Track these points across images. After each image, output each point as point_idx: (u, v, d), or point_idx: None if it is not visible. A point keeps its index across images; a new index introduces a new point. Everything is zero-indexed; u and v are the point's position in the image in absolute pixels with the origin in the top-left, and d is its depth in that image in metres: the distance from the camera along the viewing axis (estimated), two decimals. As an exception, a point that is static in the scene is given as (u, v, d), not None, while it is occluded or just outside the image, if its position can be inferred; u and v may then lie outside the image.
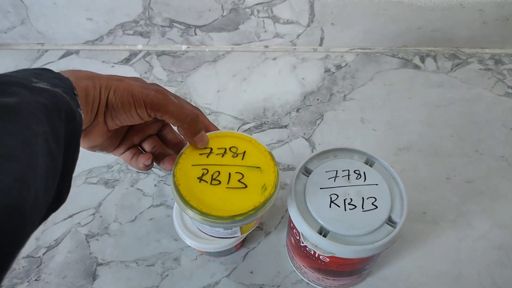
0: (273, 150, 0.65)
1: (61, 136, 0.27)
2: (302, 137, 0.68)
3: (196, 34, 0.83)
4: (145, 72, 0.81)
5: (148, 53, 0.84)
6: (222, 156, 0.41)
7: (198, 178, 0.39)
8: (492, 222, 0.56)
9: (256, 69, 0.80)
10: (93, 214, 0.59)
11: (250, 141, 0.43)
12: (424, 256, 0.53)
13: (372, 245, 0.38)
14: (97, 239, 0.56)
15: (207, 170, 0.40)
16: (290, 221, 0.43)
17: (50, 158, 0.26)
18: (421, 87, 0.75)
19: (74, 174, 0.32)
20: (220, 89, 0.76)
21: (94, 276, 0.53)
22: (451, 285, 0.51)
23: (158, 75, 0.80)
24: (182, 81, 0.78)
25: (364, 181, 0.43)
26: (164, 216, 0.58)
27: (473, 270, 0.52)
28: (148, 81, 0.75)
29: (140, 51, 0.85)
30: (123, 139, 0.42)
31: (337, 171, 0.44)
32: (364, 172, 0.43)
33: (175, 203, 0.47)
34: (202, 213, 0.37)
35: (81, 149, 0.33)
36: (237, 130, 0.69)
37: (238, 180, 0.39)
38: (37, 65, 0.83)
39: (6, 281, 0.52)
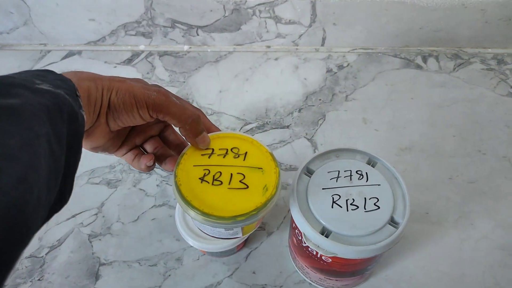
0: (275, 150, 0.65)
1: (63, 137, 0.27)
2: (304, 137, 0.68)
3: (198, 35, 0.83)
4: (147, 73, 0.81)
5: (150, 54, 0.85)
6: (224, 157, 0.41)
7: (199, 178, 0.39)
8: (495, 222, 0.56)
9: (258, 70, 0.80)
10: (96, 214, 0.59)
11: (252, 142, 0.43)
12: (427, 257, 0.53)
13: (374, 246, 0.38)
14: (100, 239, 0.56)
15: (209, 171, 0.40)
16: (292, 221, 0.43)
17: (53, 159, 0.26)
18: (423, 87, 0.75)
19: (77, 174, 0.33)
20: (222, 90, 0.77)
21: (96, 276, 0.53)
22: (454, 286, 0.51)
23: (160, 75, 0.80)
24: (184, 82, 0.78)
25: (366, 181, 0.42)
26: (166, 216, 0.58)
27: (476, 271, 0.52)
28: (150, 82, 0.75)
29: (142, 51, 0.85)
30: (125, 140, 0.42)
31: (339, 171, 0.43)
32: (366, 173, 0.43)
33: (178, 204, 0.47)
34: (203, 214, 0.37)
35: (83, 149, 0.33)
36: (239, 130, 0.69)
37: (240, 181, 0.39)
38: (39, 65, 0.83)
39: (9, 281, 0.52)
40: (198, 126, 0.40)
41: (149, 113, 0.36)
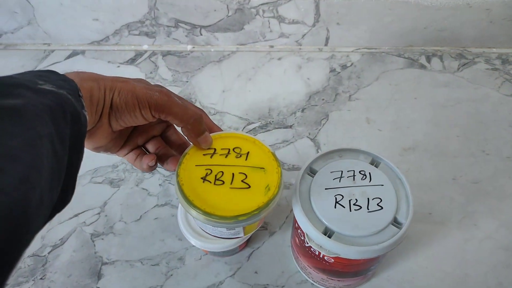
0: (278, 150, 0.65)
1: (66, 137, 0.27)
2: (307, 137, 0.68)
3: (201, 34, 0.83)
4: (151, 72, 0.81)
5: (153, 53, 0.85)
6: (226, 157, 0.41)
7: (201, 178, 0.39)
8: (498, 222, 0.56)
9: (261, 69, 0.80)
10: (98, 213, 0.59)
11: (254, 141, 0.43)
12: (430, 257, 0.53)
13: (377, 246, 0.37)
14: (102, 238, 0.56)
15: (211, 170, 0.40)
16: (295, 221, 0.43)
17: (55, 159, 0.26)
18: (427, 87, 0.75)
19: (80, 174, 0.33)
20: (225, 89, 0.77)
21: (99, 275, 0.53)
22: (457, 286, 0.50)
23: (164, 75, 0.80)
24: (187, 81, 0.78)
25: (370, 181, 0.42)
26: (169, 216, 0.58)
27: (479, 271, 0.51)
28: (154, 82, 0.76)
29: (146, 51, 0.85)
30: (127, 140, 0.42)
31: (342, 171, 0.43)
32: (369, 173, 0.43)
33: (180, 204, 0.48)
34: (205, 213, 0.37)
35: (86, 149, 0.33)
36: (242, 130, 0.69)
37: (242, 181, 0.39)
38: (43, 65, 0.83)
39: (12, 280, 0.52)
40: (200, 126, 0.40)
41: (151, 113, 0.36)
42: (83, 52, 0.86)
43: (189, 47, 0.85)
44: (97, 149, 0.39)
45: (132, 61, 0.83)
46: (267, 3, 0.77)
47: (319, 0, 0.75)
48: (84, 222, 0.58)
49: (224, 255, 0.53)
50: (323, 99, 0.74)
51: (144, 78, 0.69)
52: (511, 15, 0.76)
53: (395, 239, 0.38)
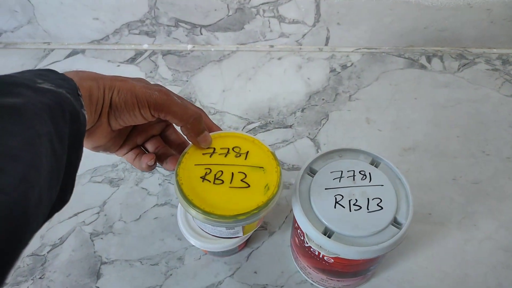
0: (277, 150, 0.65)
1: (65, 136, 0.27)
2: (307, 137, 0.67)
3: (201, 34, 0.83)
4: (151, 72, 0.81)
5: (153, 53, 0.85)
6: (225, 156, 0.41)
7: (201, 177, 0.39)
8: (498, 223, 0.56)
9: (262, 69, 0.80)
10: (98, 212, 0.59)
11: (253, 141, 0.42)
12: (429, 258, 0.53)
13: (377, 246, 0.37)
14: (102, 238, 0.56)
15: (210, 170, 0.40)
16: (295, 221, 0.43)
17: (54, 158, 0.26)
18: (428, 87, 0.75)
19: (79, 173, 0.33)
20: (225, 89, 0.76)
21: (98, 275, 0.53)
22: (457, 287, 0.50)
23: (164, 74, 0.80)
24: (187, 81, 0.78)
25: (370, 181, 0.42)
26: (168, 215, 0.58)
27: (479, 272, 0.51)
28: (154, 81, 0.76)
29: (146, 50, 0.85)
30: (126, 139, 0.42)
31: (342, 171, 0.43)
32: (369, 173, 0.43)
33: (180, 203, 0.48)
34: (204, 212, 0.37)
35: (85, 149, 0.33)
36: (242, 129, 0.69)
37: (241, 180, 0.39)
38: (43, 64, 0.83)
39: (10, 279, 0.52)
40: (199, 125, 0.40)
41: (151, 112, 0.36)
42: (83, 51, 0.86)
43: (189, 47, 0.85)
44: (96, 148, 0.39)
45: (132, 60, 0.83)
46: (267, 3, 0.77)
47: (320, 0, 0.75)
48: (84, 221, 0.58)
49: (224, 255, 0.53)
50: (323, 99, 0.74)
51: (144, 78, 0.69)
52: (511, 16, 0.75)
53: (395, 239, 0.38)
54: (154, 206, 0.59)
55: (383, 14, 0.77)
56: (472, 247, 0.54)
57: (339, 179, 0.43)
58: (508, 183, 0.60)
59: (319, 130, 0.68)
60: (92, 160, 0.64)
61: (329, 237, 0.39)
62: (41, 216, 0.25)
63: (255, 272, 0.52)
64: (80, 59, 0.84)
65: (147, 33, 0.84)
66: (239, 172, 0.40)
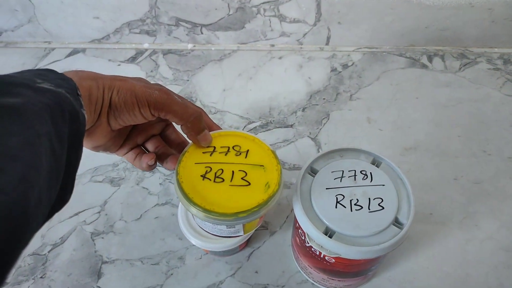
0: (278, 150, 0.65)
1: (64, 136, 0.27)
2: (308, 136, 0.67)
3: (202, 33, 0.83)
4: (151, 71, 0.81)
5: (154, 52, 0.84)
6: (226, 155, 0.41)
7: (201, 176, 0.39)
8: (499, 223, 0.56)
9: (262, 68, 0.80)
10: (99, 212, 0.59)
11: (253, 140, 0.42)
12: (431, 258, 0.53)
13: (378, 246, 0.37)
14: (103, 237, 0.56)
15: (211, 168, 0.40)
16: (296, 221, 0.43)
17: (54, 158, 0.26)
18: (429, 86, 0.75)
19: (80, 172, 0.33)
20: (226, 88, 0.76)
21: (99, 274, 0.53)
22: (458, 287, 0.50)
23: (164, 73, 0.80)
24: (188, 80, 0.78)
25: (371, 181, 0.42)
26: (169, 215, 0.58)
27: (480, 272, 0.51)
28: (154, 80, 0.75)
29: (146, 49, 0.85)
30: (126, 139, 0.42)
31: (343, 171, 0.43)
32: (370, 173, 0.43)
33: (180, 202, 0.47)
34: (205, 210, 0.37)
35: (85, 148, 0.33)
36: (243, 129, 0.69)
37: (242, 178, 0.39)
38: (43, 63, 0.83)
39: (12, 279, 0.52)
40: (200, 123, 0.39)
41: (151, 111, 0.36)
42: (83, 50, 0.86)
43: (190, 46, 0.85)
44: (96, 148, 0.39)
45: (132, 59, 0.83)
46: (268, 2, 0.76)
47: (321, -1, 0.75)
48: (85, 221, 0.58)
49: (225, 254, 0.53)
50: (324, 99, 0.73)
51: (145, 77, 0.69)
52: (513, 15, 0.75)
53: (396, 239, 0.38)
54: (155, 205, 0.59)
55: (384, 13, 0.77)
56: (474, 247, 0.53)
57: (340, 178, 0.43)
58: (510, 183, 0.60)
59: (320, 129, 0.68)
60: (93, 159, 0.64)
61: (330, 237, 0.38)
62: (40, 216, 0.25)
63: (256, 272, 0.52)
64: (80, 58, 0.84)
65: (147, 32, 0.84)
66: (239, 170, 0.40)
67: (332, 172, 0.43)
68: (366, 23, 0.79)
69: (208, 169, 0.40)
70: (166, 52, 0.84)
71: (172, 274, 0.52)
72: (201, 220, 0.39)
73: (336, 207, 0.40)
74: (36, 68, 0.81)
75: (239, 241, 0.49)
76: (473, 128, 0.67)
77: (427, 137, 0.66)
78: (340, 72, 0.79)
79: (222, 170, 0.40)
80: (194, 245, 0.50)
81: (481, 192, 0.59)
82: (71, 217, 0.58)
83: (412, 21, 0.78)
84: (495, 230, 0.55)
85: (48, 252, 0.55)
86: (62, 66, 0.82)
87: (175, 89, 0.75)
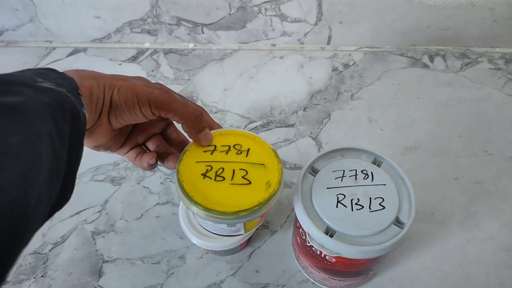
0: (279, 149, 0.65)
1: (65, 135, 0.27)
2: (309, 136, 0.67)
3: (203, 32, 0.83)
4: (152, 70, 0.81)
5: (155, 51, 0.84)
6: (226, 153, 0.41)
7: (202, 174, 0.39)
8: (500, 223, 0.56)
9: (263, 68, 0.80)
10: (100, 211, 0.59)
11: (254, 138, 0.42)
12: (432, 257, 0.53)
13: (379, 246, 0.37)
14: (103, 236, 0.56)
15: (211, 167, 0.40)
16: (296, 220, 0.43)
17: (54, 157, 0.26)
18: (430, 86, 0.75)
19: (81, 171, 0.33)
20: (227, 88, 0.76)
21: (99, 273, 0.53)
22: (459, 287, 0.50)
23: (165, 73, 0.80)
24: (189, 79, 0.78)
25: (372, 181, 0.42)
26: (170, 214, 0.58)
27: (481, 272, 0.51)
28: (155, 80, 0.75)
29: (148, 49, 0.85)
30: (127, 138, 0.42)
31: (344, 170, 0.43)
32: (371, 172, 0.43)
33: (181, 201, 0.48)
34: (206, 209, 0.37)
35: (86, 147, 0.33)
36: (244, 128, 0.69)
37: (242, 177, 0.39)
38: (45, 62, 0.83)
39: (12, 277, 0.52)
40: (200, 122, 0.39)
41: (152, 110, 0.36)
42: (84, 50, 0.86)
43: (191, 45, 0.85)
44: (97, 147, 0.39)
45: (133, 59, 0.83)
46: (269, 1, 0.76)
47: (322, -2, 0.75)
48: (85, 220, 0.58)
49: (225, 254, 0.53)
50: (325, 98, 0.73)
51: (146, 76, 0.69)
52: (514, 15, 0.75)
53: (397, 239, 0.38)
54: (156, 204, 0.59)
55: (385, 13, 0.77)
56: (474, 247, 0.53)
57: (341, 178, 0.42)
58: (511, 182, 0.60)
59: (321, 129, 0.68)
60: (94, 158, 0.64)
61: (331, 236, 0.38)
62: (41, 215, 0.25)
63: (257, 271, 0.52)
64: (81, 57, 0.84)
65: (148, 32, 0.84)
66: (240, 169, 0.40)
67: (333, 171, 0.43)
68: (367, 23, 0.79)
69: (209, 168, 0.40)
70: (167, 52, 0.84)
71: (172, 273, 0.52)
72: (202, 219, 0.39)
73: (337, 207, 0.40)
74: (37, 67, 0.81)
75: (239, 240, 0.49)
76: (474, 128, 0.67)
77: (428, 137, 0.66)
78: (341, 71, 0.79)
79: (223, 168, 0.40)
80: (195, 244, 0.50)
81: (482, 192, 0.59)
82: (72, 216, 0.58)
83: (414, 21, 0.78)
84: (496, 230, 0.55)
85: (49, 251, 0.55)
86: (63, 66, 0.82)
87: (176, 88, 0.75)
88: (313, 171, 0.44)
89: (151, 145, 0.44)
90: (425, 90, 0.74)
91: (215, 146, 0.42)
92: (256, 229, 0.51)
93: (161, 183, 0.62)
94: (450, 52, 0.81)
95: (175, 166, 0.40)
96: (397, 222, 0.40)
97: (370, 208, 0.40)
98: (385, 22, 0.79)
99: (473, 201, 0.58)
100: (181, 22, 0.81)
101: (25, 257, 0.54)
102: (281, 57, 0.82)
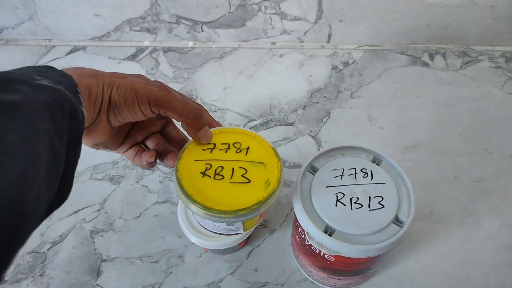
0: (279, 148, 0.65)
1: (63, 133, 0.27)
2: (309, 134, 0.67)
3: (203, 31, 0.83)
4: (152, 69, 0.80)
5: (154, 50, 0.84)
6: (226, 152, 0.41)
7: (201, 173, 0.39)
8: (501, 221, 0.55)
9: (263, 66, 0.80)
10: (98, 210, 0.59)
11: (254, 137, 0.42)
12: (431, 256, 0.53)
13: (378, 245, 0.37)
14: (102, 235, 0.56)
15: (210, 165, 0.40)
16: (295, 219, 0.43)
17: (53, 155, 0.25)
18: (430, 85, 0.75)
19: (80, 170, 0.32)
20: (226, 86, 0.76)
21: (98, 272, 0.53)
22: (458, 286, 0.50)
23: (165, 71, 0.80)
24: (188, 78, 0.78)
25: (371, 180, 0.42)
26: (169, 213, 0.58)
27: (480, 271, 0.51)
28: (155, 78, 0.75)
29: (147, 47, 0.85)
30: (126, 136, 0.41)
31: (343, 169, 0.43)
32: (371, 171, 0.43)
33: (180, 199, 0.47)
34: (205, 208, 0.36)
35: (86, 146, 0.33)
36: (243, 127, 0.69)
37: (242, 175, 0.39)
38: (44, 60, 0.83)
39: (11, 276, 0.52)
40: (200, 120, 0.39)
41: (151, 108, 0.36)
42: (84, 48, 0.86)
43: (191, 44, 0.85)
44: (96, 146, 0.39)
45: (133, 57, 0.83)
46: (269, 0, 0.76)
47: (322, -4, 0.75)
48: (84, 218, 0.58)
49: (224, 252, 0.53)
50: (324, 97, 0.73)
51: (145, 75, 0.69)
52: (515, 13, 0.75)
53: (396, 237, 0.38)
54: (155, 203, 0.59)
55: (385, 11, 0.77)
56: (474, 246, 0.53)
57: (340, 177, 0.42)
58: (511, 181, 0.60)
59: (321, 127, 0.68)
60: (93, 157, 0.64)
61: (330, 235, 0.38)
62: (39, 213, 0.24)
63: (256, 270, 0.52)
64: (81, 55, 0.84)
65: (148, 30, 0.84)
66: (239, 167, 0.40)
67: (332, 170, 0.43)
68: (367, 21, 0.79)
69: (208, 166, 0.39)
70: (167, 50, 0.84)
71: (171, 272, 0.52)
72: (200, 217, 0.39)
73: (336, 206, 0.40)
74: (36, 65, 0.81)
75: (238, 239, 0.49)
76: (474, 127, 0.67)
77: (428, 136, 0.66)
78: (341, 70, 0.78)
79: (222, 167, 0.40)
80: (193, 243, 0.50)
81: (482, 190, 0.59)
82: (70, 215, 0.58)
83: (414, 19, 0.78)
84: (496, 228, 0.55)
85: (47, 250, 0.55)
86: (62, 64, 0.82)
87: (175, 87, 0.74)
88: (313, 169, 0.44)
89: (150, 144, 0.44)
90: (425, 88, 0.74)
91: (215, 144, 0.41)
92: (255, 228, 0.51)
93: (160, 182, 0.62)
94: (451, 50, 0.81)
95: (174, 165, 0.40)
96: (397, 221, 0.40)
97: (369, 207, 0.40)
98: (385, 20, 0.78)
99: (473, 200, 0.58)
100: (181, 20, 0.81)
101: (24, 256, 0.54)
102: (281, 56, 0.82)
